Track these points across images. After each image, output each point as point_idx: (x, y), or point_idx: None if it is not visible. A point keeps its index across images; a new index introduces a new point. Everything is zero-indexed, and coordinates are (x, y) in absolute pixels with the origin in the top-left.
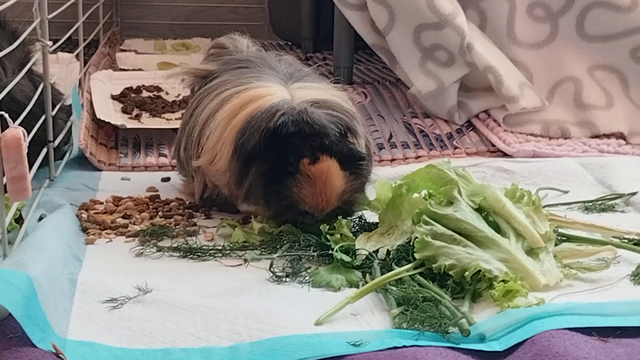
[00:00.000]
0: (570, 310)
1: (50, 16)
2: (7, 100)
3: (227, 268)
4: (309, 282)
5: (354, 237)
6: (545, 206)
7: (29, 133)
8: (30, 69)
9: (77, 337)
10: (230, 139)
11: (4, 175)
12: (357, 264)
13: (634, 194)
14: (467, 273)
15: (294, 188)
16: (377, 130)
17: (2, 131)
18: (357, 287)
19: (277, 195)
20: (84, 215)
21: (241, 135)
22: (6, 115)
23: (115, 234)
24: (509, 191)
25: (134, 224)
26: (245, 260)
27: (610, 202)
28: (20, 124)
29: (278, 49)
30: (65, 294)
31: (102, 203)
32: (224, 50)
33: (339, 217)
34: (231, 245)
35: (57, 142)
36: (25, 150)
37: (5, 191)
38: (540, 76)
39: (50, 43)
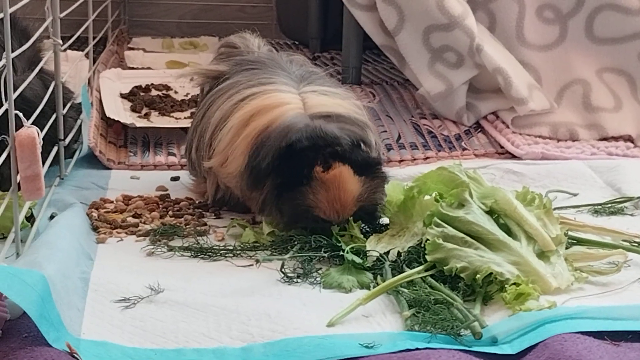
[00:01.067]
0: (582, 314)
1: (62, 15)
2: (18, 99)
3: (238, 268)
4: (320, 283)
5: (365, 239)
6: (554, 209)
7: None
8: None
9: (90, 336)
10: (243, 150)
11: (17, 174)
12: (368, 265)
13: None
14: (478, 276)
15: (309, 195)
16: (385, 131)
17: (17, 130)
18: (368, 288)
19: (291, 203)
20: (95, 214)
21: (255, 155)
22: (21, 115)
23: (126, 233)
24: (520, 194)
25: (144, 223)
26: (257, 261)
27: (620, 205)
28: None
29: (285, 48)
30: (78, 293)
31: (112, 202)
32: (235, 49)
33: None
34: (242, 246)
35: (67, 140)
36: (39, 150)
37: (19, 189)
38: (549, 78)
39: (61, 42)
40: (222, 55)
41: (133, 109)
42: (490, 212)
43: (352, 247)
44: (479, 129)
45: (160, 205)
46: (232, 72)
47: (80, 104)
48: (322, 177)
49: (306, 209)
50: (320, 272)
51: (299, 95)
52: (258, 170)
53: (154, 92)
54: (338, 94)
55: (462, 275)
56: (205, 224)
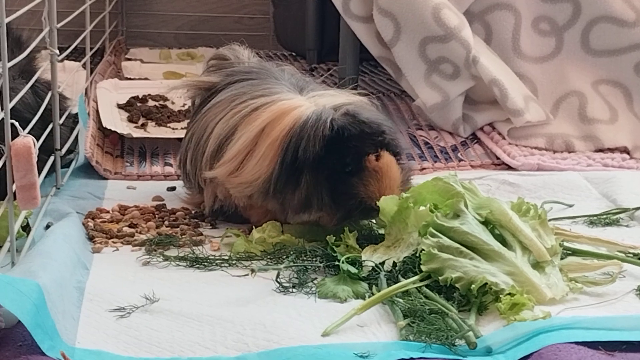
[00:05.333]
0: (576, 324)
1: (59, 25)
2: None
3: (233, 278)
4: (315, 292)
5: (360, 249)
6: (550, 220)
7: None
8: (32, 76)
9: (85, 345)
10: (268, 155)
11: (13, 183)
12: (363, 275)
13: (638, 208)
14: (473, 286)
15: (360, 186)
16: None
17: (12, 140)
18: (364, 298)
19: (346, 196)
20: (91, 224)
21: (291, 150)
22: (17, 124)
23: (122, 242)
24: (515, 204)
25: (140, 233)
26: (252, 271)
27: (615, 216)
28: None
29: (283, 60)
30: (73, 303)
31: (108, 212)
32: (225, 61)
33: None
34: (237, 256)
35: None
36: (35, 159)
37: (15, 199)
38: (545, 90)
39: (58, 52)
40: (213, 67)
41: (130, 120)
42: (485, 223)
43: (348, 257)
44: (475, 140)
45: (157, 215)
46: (224, 82)
47: (76, 114)
48: (374, 167)
49: (359, 201)
50: (315, 281)
51: (307, 101)
52: (294, 166)
53: (151, 103)
54: (342, 93)
55: (457, 285)
56: (201, 234)
